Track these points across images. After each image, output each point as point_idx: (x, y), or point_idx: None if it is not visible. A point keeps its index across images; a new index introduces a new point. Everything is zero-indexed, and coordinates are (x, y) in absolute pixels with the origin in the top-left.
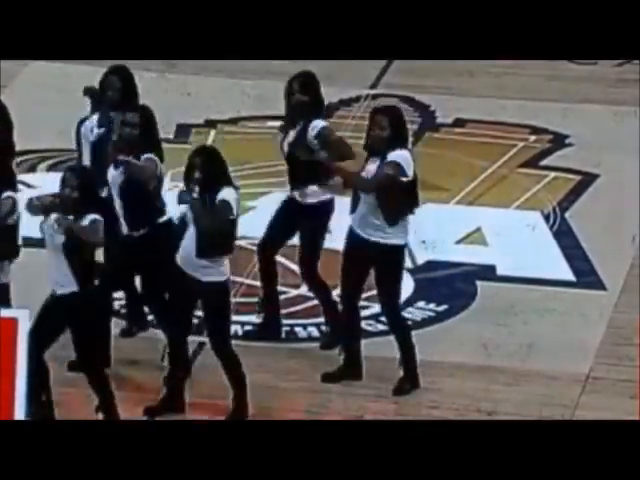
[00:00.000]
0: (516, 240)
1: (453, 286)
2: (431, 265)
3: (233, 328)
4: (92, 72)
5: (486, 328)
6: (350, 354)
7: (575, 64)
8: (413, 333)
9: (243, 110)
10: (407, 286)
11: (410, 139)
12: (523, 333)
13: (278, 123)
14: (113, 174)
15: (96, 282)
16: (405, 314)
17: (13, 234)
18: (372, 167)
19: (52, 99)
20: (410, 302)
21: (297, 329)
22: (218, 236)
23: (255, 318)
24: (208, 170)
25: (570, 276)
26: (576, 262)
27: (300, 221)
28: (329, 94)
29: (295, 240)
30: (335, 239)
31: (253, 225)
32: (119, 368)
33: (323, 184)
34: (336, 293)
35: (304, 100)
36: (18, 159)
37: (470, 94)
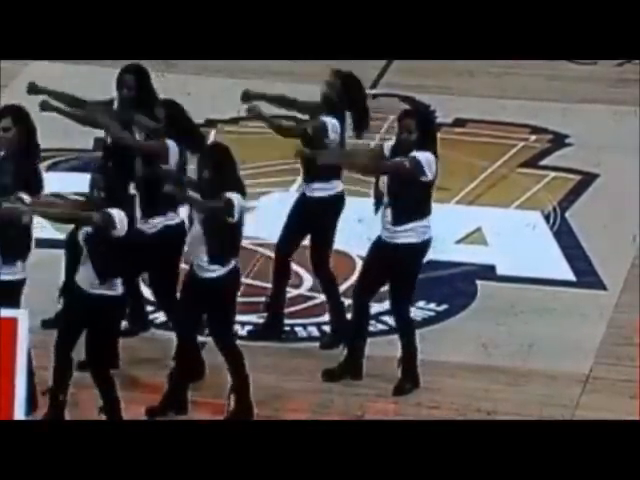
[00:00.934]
0: (516, 240)
1: (453, 286)
2: (431, 265)
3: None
4: (92, 72)
5: (486, 328)
6: (353, 353)
7: (575, 64)
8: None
9: (243, 110)
10: None
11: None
12: (523, 333)
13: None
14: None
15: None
16: None
17: (28, 232)
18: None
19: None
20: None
21: (297, 329)
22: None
23: (256, 318)
24: (218, 170)
25: (570, 276)
26: (576, 262)
27: (311, 215)
28: None
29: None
30: (341, 240)
31: (253, 225)
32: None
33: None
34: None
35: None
36: None
37: (470, 94)
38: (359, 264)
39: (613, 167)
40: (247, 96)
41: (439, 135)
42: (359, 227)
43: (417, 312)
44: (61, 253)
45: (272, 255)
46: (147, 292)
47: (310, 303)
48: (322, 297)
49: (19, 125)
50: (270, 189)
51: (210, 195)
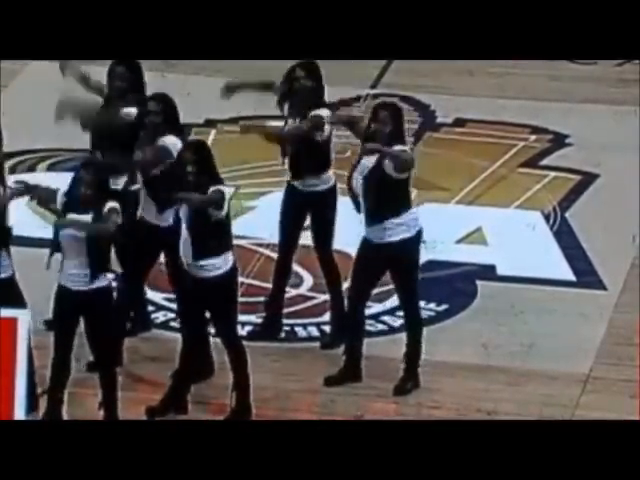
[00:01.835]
0: (516, 240)
1: (453, 286)
2: (431, 265)
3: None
4: (93, 72)
5: (486, 328)
6: (351, 357)
7: (575, 64)
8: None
9: (243, 110)
10: None
11: (410, 139)
12: (523, 333)
13: (278, 123)
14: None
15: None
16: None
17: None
18: (370, 160)
19: (52, 99)
20: None
21: (297, 329)
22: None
23: (255, 318)
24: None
25: (570, 276)
26: (576, 262)
27: (309, 209)
28: (329, 94)
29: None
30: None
31: (253, 225)
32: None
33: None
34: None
35: (309, 85)
36: (17, 159)
37: (470, 94)
38: None
39: (613, 167)
40: (229, 89)
41: (439, 135)
42: (360, 227)
43: None
44: None
45: (272, 255)
46: (150, 293)
47: (310, 303)
48: (322, 297)
49: None
50: (270, 189)
51: (194, 190)
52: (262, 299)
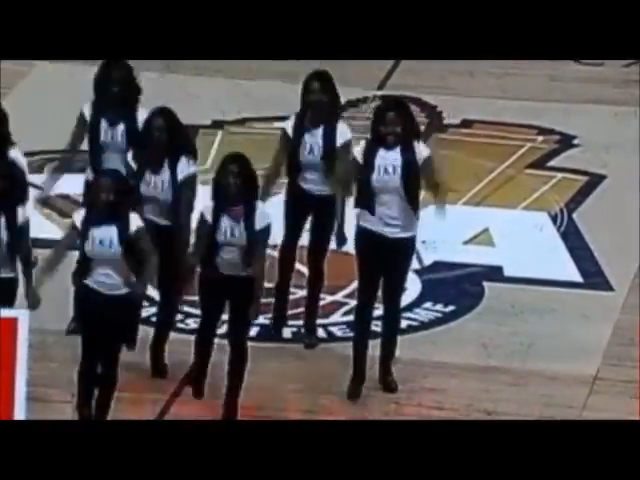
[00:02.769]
0: (523, 241)
1: (460, 287)
2: (438, 266)
3: None
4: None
5: (492, 329)
6: (361, 363)
7: (581, 65)
8: (420, 334)
9: (244, 111)
10: (414, 287)
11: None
12: (529, 334)
13: (283, 124)
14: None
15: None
16: (412, 315)
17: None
18: (387, 159)
19: (60, 100)
20: (417, 303)
21: (303, 330)
22: None
23: (262, 319)
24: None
25: (577, 277)
26: (583, 263)
27: (310, 210)
28: None
29: (304, 241)
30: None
31: None
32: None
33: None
34: (343, 294)
35: (324, 100)
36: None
37: (477, 95)
38: None
39: (620, 168)
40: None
41: (446, 136)
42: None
43: (424, 313)
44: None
45: (277, 255)
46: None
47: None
48: (329, 298)
49: None
50: (278, 190)
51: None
52: (268, 300)
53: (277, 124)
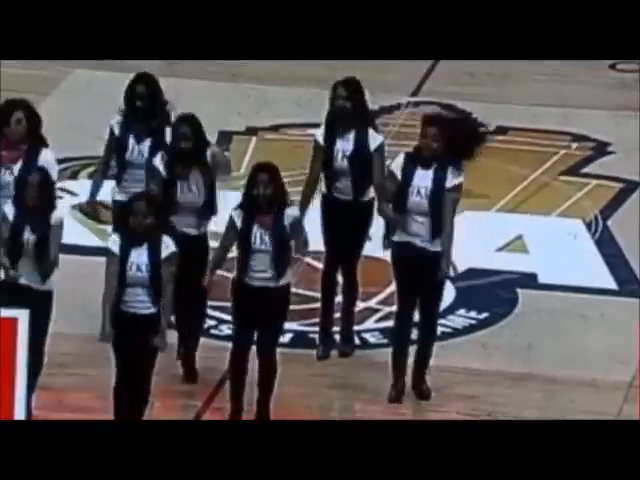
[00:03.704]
0: (558, 248)
1: (494, 294)
2: (472, 273)
3: None
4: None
5: (527, 336)
6: (399, 371)
7: (617, 71)
8: (454, 340)
9: (284, 118)
10: (448, 294)
11: None
12: (565, 341)
13: (316, 132)
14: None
15: None
16: (446, 322)
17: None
18: (421, 179)
19: (94, 106)
20: (451, 310)
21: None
22: None
23: (296, 325)
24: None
25: (612, 284)
26: (618, 270)
27: (343, 217)
28: (370, 101)
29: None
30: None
31: None
32: None
33: None
34: (376, 300)
35: (348, 106)
36: (60, 166)
37: (511, 101)
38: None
39: None
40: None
41: None
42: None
43: (457, 320)
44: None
45: (314, 263)
46: None
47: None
48: (361, 305)
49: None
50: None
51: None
52: (303, 307)
53: (311, 130)
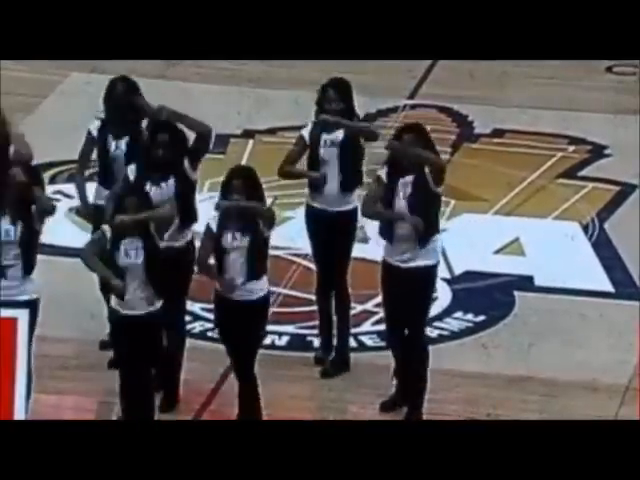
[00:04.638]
0: (554, 251)
1: (491, 297)
2: (469, 275)
3: (270, 338)
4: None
5: (524, 339)
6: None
7: (614, 74)
8: (451, 343)
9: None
10: (445, 296)
11: (448, 149)
12: (561, 344)
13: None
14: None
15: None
16: (442, 324)
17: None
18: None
19: (92, 109)
20: (448, 312)
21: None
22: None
23: (292, 328)
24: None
25: (609, 287)
26: (615, 273)
27: (328, 228)
28: (366, 104)
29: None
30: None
31: (290, 235)
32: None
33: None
34: (373, 303)
35: (337, 108)
36: (57, 169)
37: (508, 104)
38: None
39: None
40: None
41: (477, 145)
42: None
43: (454, 323)
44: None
45: (309, 265)
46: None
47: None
48: (359, 307)
49: None
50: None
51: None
52: (299, 309)
53: None
